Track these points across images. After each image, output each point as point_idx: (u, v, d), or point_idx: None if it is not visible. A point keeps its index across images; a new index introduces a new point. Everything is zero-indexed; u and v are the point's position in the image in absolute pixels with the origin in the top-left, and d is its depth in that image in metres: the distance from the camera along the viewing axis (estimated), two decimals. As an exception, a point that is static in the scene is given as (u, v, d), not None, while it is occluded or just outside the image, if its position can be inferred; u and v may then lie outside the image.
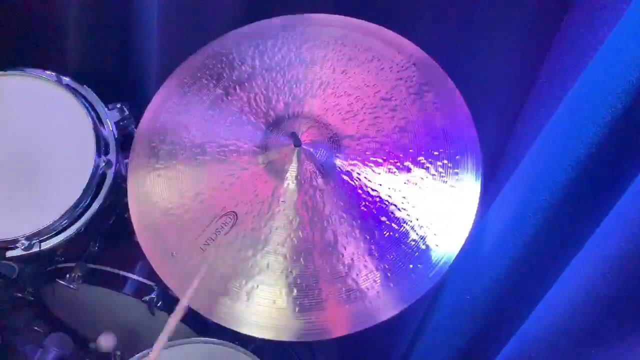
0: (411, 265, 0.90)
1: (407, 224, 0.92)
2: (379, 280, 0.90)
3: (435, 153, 0.95)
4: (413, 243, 0.91)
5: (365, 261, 0.91)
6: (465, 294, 0.97)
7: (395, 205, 0.93)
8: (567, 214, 0.77)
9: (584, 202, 0.75)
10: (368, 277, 0.90)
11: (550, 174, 0.76)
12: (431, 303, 1.10)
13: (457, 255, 0.90)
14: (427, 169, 0.95)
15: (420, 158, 0.95)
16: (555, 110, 0.79)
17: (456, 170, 0.94)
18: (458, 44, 1.13)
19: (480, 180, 0.93)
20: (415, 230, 0.91)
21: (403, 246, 0.91)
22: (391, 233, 0.92)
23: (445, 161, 0.95)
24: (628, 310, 0.67)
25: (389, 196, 0.93)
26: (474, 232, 0.91)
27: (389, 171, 0.95)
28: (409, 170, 0.95)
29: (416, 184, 0.94)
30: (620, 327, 0.69)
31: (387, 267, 0.90)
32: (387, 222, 0.92)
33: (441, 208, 0.93)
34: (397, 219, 0.92)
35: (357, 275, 0.90)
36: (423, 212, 0.92)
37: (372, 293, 0.90)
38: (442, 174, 0.94)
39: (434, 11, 1.13)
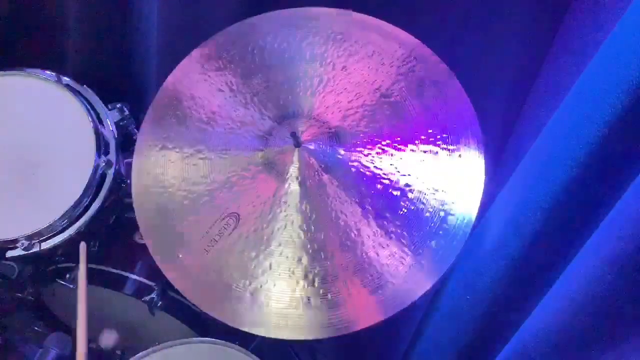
0: (433, 242, 0.90)
1: (417, 203, 0.92)
2: (401, 268, 0.90)
3: (436, 151, 0.95)
4: (429, 221, 0.91)
5: (377, 252, 0.91)
6: (465, 294, 0.97)
7: (402, 191, 0.93)
8: (567, 214, 0.77)
9: (584, 201, 0.75)
10: (385, 267, 0.90)
11: (551, 173, 0.76)
12: (431, 303, 1.10)
13: (457, 255, 0.90)
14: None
15: (421, 154, 0.95)
16: (555, 110, 0.79)
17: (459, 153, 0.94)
18: (458, 46, 1.13)
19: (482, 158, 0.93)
20: (427, 209, 0.92)
21: (415, 231, 0.91)
22: (400, 223, 0.92)
23: (447, 157, 0.95)
24: (628, 310, 0.67)
25: (392, 189, 0.93)
26: (474, 232, 0.91)
27: (391, 166, 0.95)
28: (410, 166, 0.95)
29: (423, 160, 0.95)
30: (621, 327, 0.69)
31: (407, 252, 0.90)
32: (394, 214, 0.92)
33: (449, 182, 0.93)
34: (407, 201, 0.92)
35: (369, 265, 0.91)
36: (431, 188, 0.93)
37: (397, 280, 0.90)
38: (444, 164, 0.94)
39: (434, 9, 1.13)
